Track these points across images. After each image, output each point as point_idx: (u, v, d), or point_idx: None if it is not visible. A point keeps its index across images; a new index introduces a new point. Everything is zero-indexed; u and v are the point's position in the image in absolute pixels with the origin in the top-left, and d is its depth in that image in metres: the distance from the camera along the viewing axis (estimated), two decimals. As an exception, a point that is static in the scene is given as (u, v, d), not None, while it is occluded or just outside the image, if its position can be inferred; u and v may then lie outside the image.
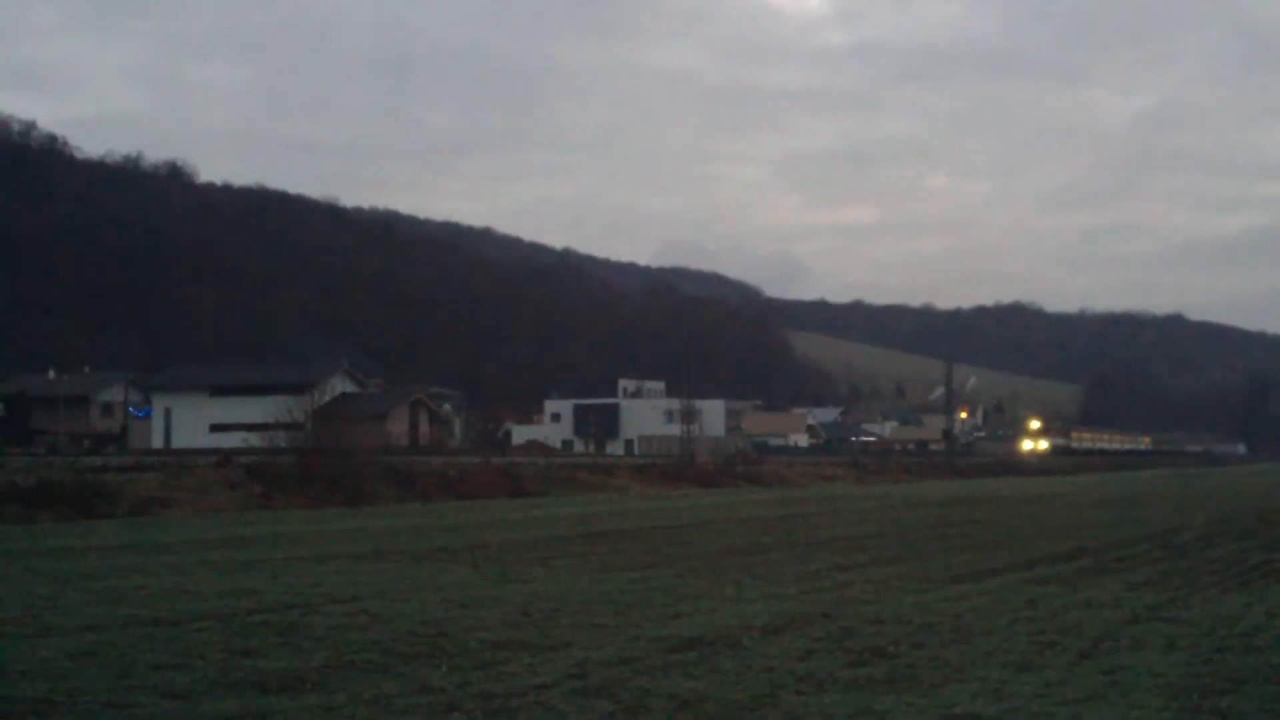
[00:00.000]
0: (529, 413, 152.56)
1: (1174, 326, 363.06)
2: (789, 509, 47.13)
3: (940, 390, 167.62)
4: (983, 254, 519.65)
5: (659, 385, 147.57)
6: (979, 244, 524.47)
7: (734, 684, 11.69)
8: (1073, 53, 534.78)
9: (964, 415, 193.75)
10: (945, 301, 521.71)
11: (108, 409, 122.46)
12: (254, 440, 66.55)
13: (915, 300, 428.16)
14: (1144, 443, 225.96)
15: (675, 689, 11.41)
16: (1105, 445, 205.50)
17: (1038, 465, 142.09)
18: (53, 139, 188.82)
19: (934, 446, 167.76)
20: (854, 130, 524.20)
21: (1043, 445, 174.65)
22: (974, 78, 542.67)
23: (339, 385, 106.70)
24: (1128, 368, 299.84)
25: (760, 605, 17.32)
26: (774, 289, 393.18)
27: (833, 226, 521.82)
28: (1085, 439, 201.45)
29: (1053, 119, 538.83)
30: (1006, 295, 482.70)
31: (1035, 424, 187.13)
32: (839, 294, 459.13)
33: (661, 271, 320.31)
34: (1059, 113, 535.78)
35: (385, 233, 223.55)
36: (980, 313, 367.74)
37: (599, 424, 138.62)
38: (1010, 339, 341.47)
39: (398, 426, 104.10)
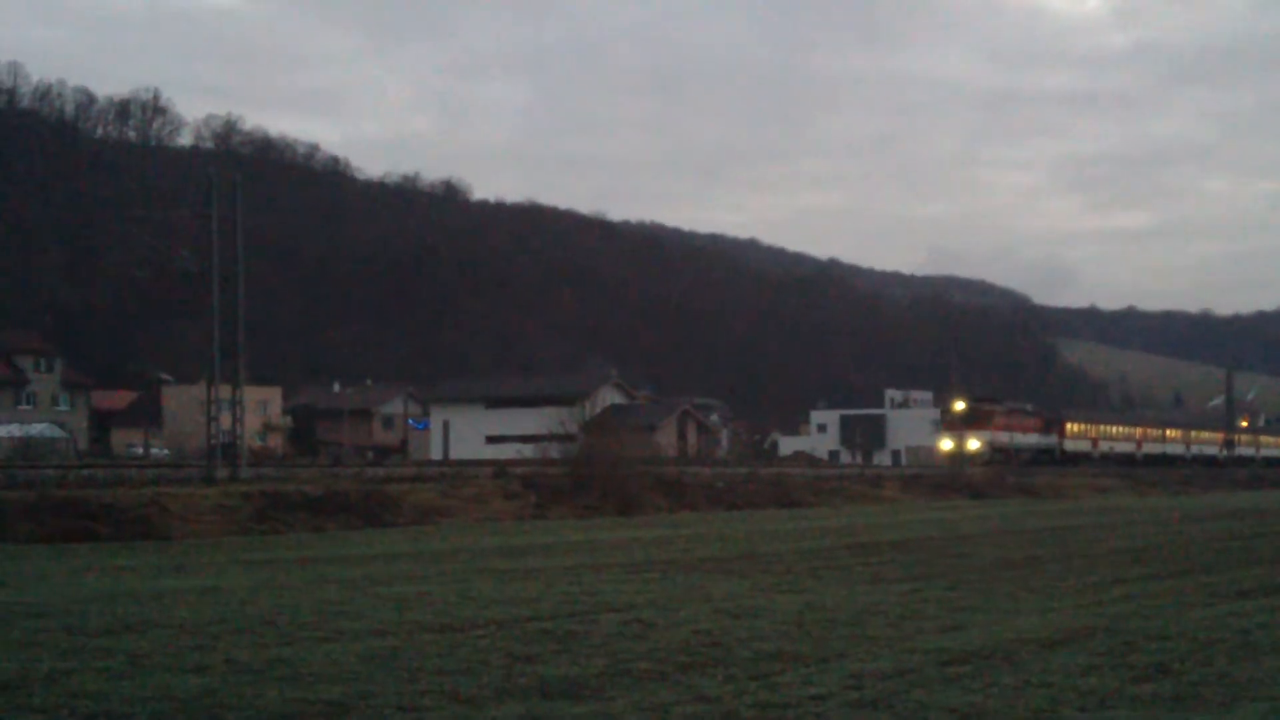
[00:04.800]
0: (795, 423, 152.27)
1: None
2: (1063, 520, 46.06)
3: (1219, 399, 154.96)
4: (1264, 257, 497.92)
5: (926, 395, 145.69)
6: (1260, 247, 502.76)
7: (1013, 699, 11.54)
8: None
9: (1245, 424, 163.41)
10: (1224, 307, 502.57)
11: (388, 421, 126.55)
12: (528, 451, 67.97)
13: (1192, 306, 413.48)
14: (1272, 444, 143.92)
15: (954, 702, 11.31)
16: (1124, 447, 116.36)
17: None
18: (335, 161, 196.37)
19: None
20: (1130, 133, 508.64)
21: (972, 444, 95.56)
22: (1257, 77, 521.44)
23: (609, 397, 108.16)
24: None
25: (1037, 618, 17.03)
26: (1042, 296, 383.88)
27: (1105, 231, 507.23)
28: (1105, 434, 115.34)
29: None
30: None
31: (959, 405, 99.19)
32: (1110, 300, 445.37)
33: (927, 279, 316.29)
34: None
35: (652, 245, 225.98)
36: (1262, 318, 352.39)
37: (865, 434, 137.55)
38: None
39: (666, 437, 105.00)
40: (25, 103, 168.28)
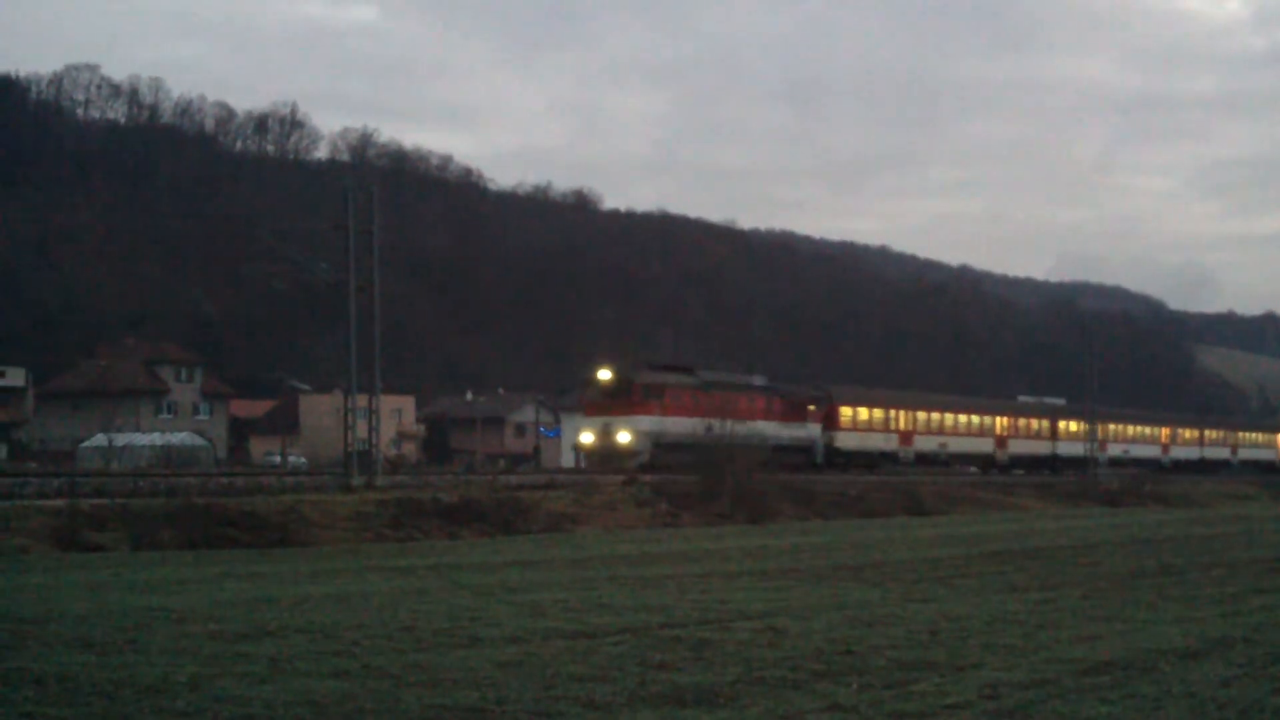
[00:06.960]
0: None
1: None
2: (1199, 529, 45.29)
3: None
4: None
5: (1059, 402, 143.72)
6: None
7: (1153, 710, 11.39)
8: None
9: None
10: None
11: (520, 429, 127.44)
12: (658, 458, 67.81)
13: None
14: (1184, 441, 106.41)
15: (1092, 713, 11.19)
16: (965, 445, 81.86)
17: None
18: (468, 171, 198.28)
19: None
20: (1272, 136, 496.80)
21: (622, 437, 60.01)
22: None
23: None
24: None
25: (1175, 629, 16.78)
26: (1178, 301, 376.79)
27: (1246, 236, 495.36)
28: (929, 426, 79.83)
29: None
30: None
31: (604, 374, 61.86)
32: (1249, 306, 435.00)
33: (1060, 286, 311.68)
34: None
35: (783, 253, 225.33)
36: None
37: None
38: None
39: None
40: (166, 117, 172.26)
